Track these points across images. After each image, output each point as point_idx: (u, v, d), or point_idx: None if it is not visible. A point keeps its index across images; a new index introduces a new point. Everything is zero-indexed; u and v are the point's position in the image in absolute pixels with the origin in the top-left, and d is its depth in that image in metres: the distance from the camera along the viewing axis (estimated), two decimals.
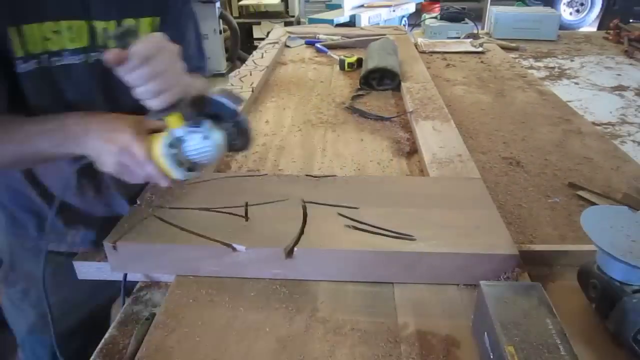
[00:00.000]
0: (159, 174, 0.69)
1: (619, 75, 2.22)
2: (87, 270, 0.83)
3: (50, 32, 0.75)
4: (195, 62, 0.95)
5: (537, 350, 0.54)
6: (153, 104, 0.65)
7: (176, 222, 0.80)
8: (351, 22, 4.62)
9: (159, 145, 0.67)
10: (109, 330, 0.71)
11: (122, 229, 0.79)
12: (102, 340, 0.69)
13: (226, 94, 0.68)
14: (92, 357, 0.67)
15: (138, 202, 0.86)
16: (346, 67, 1.86)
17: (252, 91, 1.51)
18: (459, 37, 3.12)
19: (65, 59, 0.78)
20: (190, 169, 0.70)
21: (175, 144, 0.68)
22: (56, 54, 0.77)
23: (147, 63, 0.62)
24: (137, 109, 0.70)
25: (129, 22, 0.83)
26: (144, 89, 0.63)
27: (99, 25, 0.79)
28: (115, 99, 0.82)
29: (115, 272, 0.80)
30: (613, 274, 0.65)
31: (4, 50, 0.72)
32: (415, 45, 2.36)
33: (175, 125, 0.67)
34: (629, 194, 1.01)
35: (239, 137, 0.71)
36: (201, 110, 0.68)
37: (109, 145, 0.67)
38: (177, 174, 0.69)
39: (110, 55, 0.61)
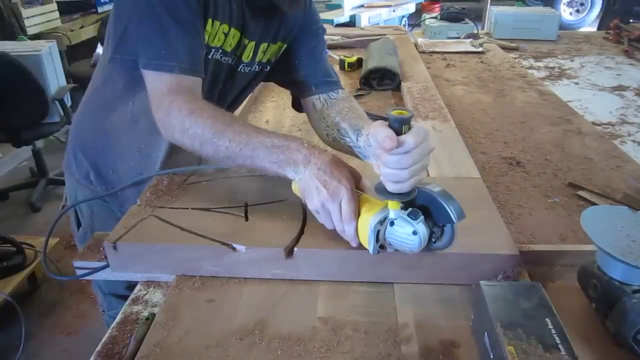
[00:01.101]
0: (354, 236, 0.70)
1: (619, 75, 2.22)
2: (87, 270, 0.83)
3: (221, 33, 0.90)
4: (331, 77, 1.05)
5: (537, 350, 0.54)
6: (390, 187, 0.65)
7: (176, 222, 0.80)
8: (351, 22, 4.62)
9: (371, 216, 0.67)
10: (109, 330, 0.71)
11: (122, 229, 0.79)
12: (102, 341, 0.69)
13: (444, 196, 0.67)
14: (92, 357, 0.67)
15: (138, 202, 0.86)
16: (346, 67, 1.86)
17: (252, 91, 1.51)
18: (459, 37, 3.12)
19: (223, 57, 0.94)
20: (382, 247, 0.70)
21: (384, 222, 0.68)
22: (221, 51, 0.92)
23: (410, 154, 0.62)
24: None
25: (263, 46, 0.99)
26: (393, 172, 0.63)
27: (243, 41, 0.95)
28: (226, 101, 1.02)
29: (115, 272, 0.80)
30: (613, 274, 0.65)
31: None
32: (415, 45, 2.36)
33: (393, 206, 0.67)
34: (629, 194, 1.01)
35: (440, 238, 0.70)
36: (413, 201, 0.68)
37: (322, 187, 0.69)
38: (371, 248, 0.69)
39: (387, 141, 0.61)
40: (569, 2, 6.80)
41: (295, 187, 0.79)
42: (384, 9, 5.02)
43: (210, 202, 0.86)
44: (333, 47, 2.19)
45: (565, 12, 6.72)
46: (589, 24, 6.61)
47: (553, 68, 2.33)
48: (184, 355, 0.64)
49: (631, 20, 3.18)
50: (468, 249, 0.73)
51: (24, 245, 2.22)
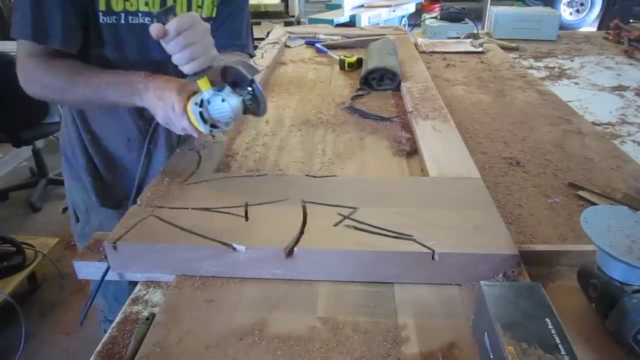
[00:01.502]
0: (190, 126, 0.84)
1: (619, 75, 2.22)
2: (86, 270, 0.83)
3: None
4: (245, 41, 1.16)
5: (537, 350, 0.54)
6: (185, 69, 0.81)
7: (176, 222, 0.80)
8: (351, 22, 4.62)
9: (189, 105, 0.83)
10: (109, 330, 0.71)
11: (122, 229, 0.79)
12: (102, 341, 0.69)
13: (243, 64, 0.82)
14: (92, 357, 0.67)
15: (138, 202, 0.86)
16: (346, 67, 1.85)
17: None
18: (459, 37, 3.12)
19: (139, 19, 0.97)
20: (213, 126, 0.86)
21: (202, 103, 0.83)
22: (133, 14, 0.96)
23: (181, 35, 0.77)
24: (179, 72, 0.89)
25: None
26: (179, 55, 0.79)
27: None
28: (164, 63, 0.97)
29: (115, 272, 0.80)
30: (613, 274, 0.65)
31: (89, 5, 0.93)
32: (415, 45, 2.36)
33: (204, 88, 0.82)
34: (629, 194, 1.01)
35: (254, 103, 0.85)
36: (225, 78, 0.84)
37: (160, 102, 0.84)
38: (202, 127, 0.84)
39: (153, 30, 0.77)
40: (569, 2, 6.80)
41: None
42: (384, 9, 5.02)
43: (210, 202, 0.86)
44: (333, 47, 2.19)
45: (565, 12, 6.72)
46: (589, 24, 6.61)
47: (553, 68, 2.33)
48: (184, 355, 0.64)
49: (631, 20, 3.17)
50: (468, 249, 0.73)
51: (24, 245, 2.22)
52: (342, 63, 1.87)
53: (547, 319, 0.58)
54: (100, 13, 0.94)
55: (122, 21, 0.96)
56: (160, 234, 0.78)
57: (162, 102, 0.84)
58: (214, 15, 1.08)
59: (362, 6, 5.04)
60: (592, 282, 0.68)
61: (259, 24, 5.67)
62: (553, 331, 0.56)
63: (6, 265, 2.13)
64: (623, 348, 0.63)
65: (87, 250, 0.85)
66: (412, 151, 1.19)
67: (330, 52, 2.10)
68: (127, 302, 0.76)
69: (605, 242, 0.64)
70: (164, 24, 0.77)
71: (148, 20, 0.97)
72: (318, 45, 2.18)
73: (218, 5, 1.09)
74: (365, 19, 4.70)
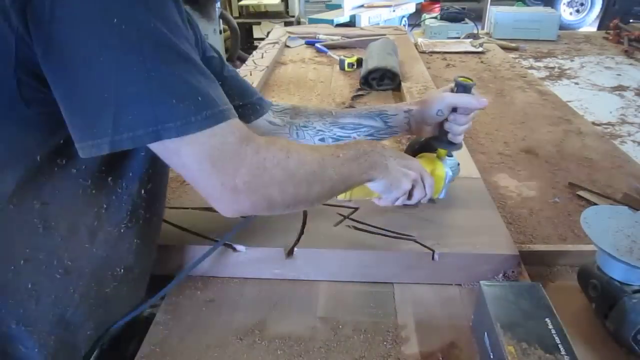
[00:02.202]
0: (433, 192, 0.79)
1: (619, 75, 2.22)
2: None
3: None
4: (257, 94, 0.94)
5: (537, 350, 0.54)
6: (459, 139, 0.81)
7: (176, 222, 0.80)
8: (351, 22, 4.62)
9: (445, 170, 0.82)
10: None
11: None
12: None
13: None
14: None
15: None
16: (346, 67, 1.85)
17: None
18: (459, 37, 3.12)
19: None
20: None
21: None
22: None
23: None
24: None
25: None
26: (462, 129, 0.80)
27: None
28: None
29: None
30: (613, 274, 0.65)
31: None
32: (415, 45, 2.36)
33: (444, 155, 0.82)
34: (629, 194, 1.01)
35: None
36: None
37: (408, 170, 0.74)
38: (443, 194, 0.83)
39: (481, 103, 0.77)
40: (569, 2, 6.80)
41: (361, 192, 0.75)
42: (384, 9, 5.02)
43: None
44: (333, 47, 2.19)
45: (565, 12, 6.72)
46: (589, 24, 6.60)
47: (553, 68, 2.33)
48: (184, 355, 0.64)
49: (631, 20, 3.17)
50: (468, 249, 0.73)
51: None
52: (342, 63, 1.87)
53: (547, 319, 0.58)
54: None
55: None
56: (161, 234, 0.78)
57: (412, 172, 0.74)
58: None
59: (362, 6, 5.04)
60: (592, 282, 0.68)
61: (259, 24, 5.67)
62: (553, 331, 0.56)
63: None
64: (623, 348, 0.63)
65: None
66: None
67: (330, 52, 2.10)
68: None
69: (605, 242, 0.64)
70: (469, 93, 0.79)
71: None
72: (318, 45, 2.18)
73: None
74: (365, 19, 4.70)
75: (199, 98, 0.51)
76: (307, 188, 0.60)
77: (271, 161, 0.56)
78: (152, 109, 0.49)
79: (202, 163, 0.54)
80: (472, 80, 0.78)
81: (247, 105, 0.88)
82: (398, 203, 0.76)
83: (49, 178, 0.55)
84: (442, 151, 0.82)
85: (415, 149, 0.89)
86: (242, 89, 0.88)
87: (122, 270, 0.64)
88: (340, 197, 0.74)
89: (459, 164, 0.86)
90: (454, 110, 0.79)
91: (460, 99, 0.78)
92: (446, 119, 0.80)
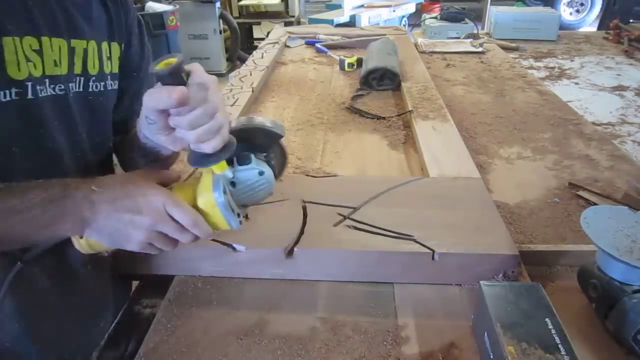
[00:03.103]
0: (208, 229, 0.58)
1: (619, 75, 2.22)
2: None
3: (31, 51, 0.59)
4: None
5: (537, 350, 0.54)
6: (207, 147, 0.54)
7: None
8: (351, 22, 4.62)
9: (213, 195, 0.57)
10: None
11: None
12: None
13: (261, 120, 0.61)
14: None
15: None
16: (346, 67, 1.85)
17: (252, 91, 1.51)
18: (459, 37, 3.12)
19: (48, 89, 0.62)
20: (238, 215, 0.60)
21: (226, 189, 0.58)
22: (39, 81, 0.60)
23: (205, 100, 0.53)
24: (104, 155, 0.64)
25: (105, 47, 0.71)
26: (201, 130, 0.53)
27: (79, 45, 0.66)
28: (58, 153, 0.65)
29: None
30: (613, 274, 0.65)
31: None
32: (415, 45, 2.36)
33: (220, 170, 0.58)
34: (629, 194, 1.01)
35: (278, 164, 0.65)
36: (245, 141, 0.60)
37: (135, 216, 0.54)
38: (234, 223, 0.59)
39: (174, 93, 0.50)
40: (569, 2, 6.80)
41: (83, 243, 0.59)
42: (384, 9, 5.02)
43: None
44: (333, 47, 2.19)
45: (565, 12, 6.72)
46: (589, 24, 6.60)
47: (553, 68, 2.33)
48: (184, 355, 0.64)
49: (631, 20, 3.18)
50: (468, 249, 0.73)
51: None
52: (342, 63, 1.87)
53: (547, 319, 0.58)
54: None
55: (30, 95, 0.59)
56: None
57: (143, 218, 0.55)
58: (116, 70, 0.74)
59: (362, 6, 5.04)
60: (592, 282, 0.68)
61: (259, 24, 5.67)
62: (553, 331, 0.56)
63: None
64: (623, 348, 0.63)
65: None
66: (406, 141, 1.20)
67: (330, 52, 2.10)
68: (127, 302, 0.77)
69: (605, 242, 0.64)
70: (175, 82, 0.52)
71: (59, 90, 0.63)
72: (318, 45, 2.18)
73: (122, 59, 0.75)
74: (365, 19, 4.70)
75: None
76: None
77: None
78: None
79: None
80: (175, 58, 0.52)
81: (129, 115, 0.78)
82: (168, 248, 0.58)
83: None
84: (215, 166, 0.57)
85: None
86: (132, 96, 0.78)
87: None
88: (83, 250, 0.59)
89: (261, 173, 0.60)
90: (168, 112, 0.54)
91: (148, 97, 0.53)
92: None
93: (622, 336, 0.62)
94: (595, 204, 0.99)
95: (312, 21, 4.62)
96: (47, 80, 0.61)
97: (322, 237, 0.77)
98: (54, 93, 0.63)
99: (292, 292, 0.75)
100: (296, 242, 0.75)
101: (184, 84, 0.52)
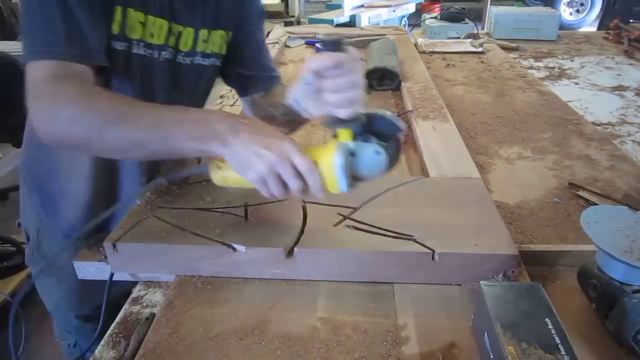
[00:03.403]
0: (320, 187, 0.65)
1: (619, 75, 2.22)
2: (87, 270, 0.83)
3: (137, 23, 0.77)
4: (274, 72, 1.02)
5: (537, 350, 0.54)
6: (343, 113, 0.65)
7: (176, 222, 0.80)
8: (351, 22, 4.62)
9: (334, 156, 0.64)
10: (109, 330, 0.71)
11: (122, 229, 0.79)
12: (102, 341, 0.69)
13: (389, 113, 0.69)
14: (92, 357, 0.67)
15: (138, 203, 0.86)
16: None
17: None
18: (459, 37, 3.12)
19: (148, 51, 0.81)
20: (350, 184, 0.67)
21: (346, 156, 0.65)
22: (146, 44, 0.80)
23: (353, 72, 0.64)
24: None
25: (203, 33, 0.87)
26: (343, 96, 0.64)
27: (176, 28, 0.84)
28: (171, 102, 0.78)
29: (115, 272, 0.80)
30: (613, 274, 0.65)
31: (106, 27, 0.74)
32: (415, 45, 2.36)
33: (346, 138, 0.66)
34: (629, 194, 1.01)
35: (393, 158, 0.70)
36: (367, 126, 0.67)
37: (265, 150, 0.63)
38: (343, 186, 0.65)
39: (330, 57, 0.62)
40: (569, 2, 6.80)
41: (219, 175, 0.71)
42: (384, 9, 5.02)
43: (210, 202, 0.86)
44: None
45: (565, 12, 6.72)
46: (589, 24, 6.60)
47: (553, 68, 2.32)
48: (184, 355, 0.64)
49: (631, 20, 3.17)
50: (468, 249, 0.73)
51: (23, 245, 2.22)
52: None
53: (547, 319, 0.58)
54: (113, 37, 0.76)
55: (135, 50, 0.79)
56: (160, 234, 0.78)
57: (270, 153, 0.62)
58: (223, 52, 0.94)
59: (362, 6, 5.04)
60: (592, 282, 0.68)
61: None
62: (553, 331, 0.56)
63: (6, 265, 2.14)
64: (623, 348, 0.63)
65: (87, 250, 0.85)
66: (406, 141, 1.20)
67: None
68: (127, 302, 0.77)
69: (605, 242, 0.64)
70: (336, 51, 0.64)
71: (149, 53, 0.82)
72: (318, 45, 2.18)
73: (239, 23, 0.94)
74: (365, 19, 4.71)
75: (40, 36, 0.69)
76: (98, 133, 0.66)
77: (63, 101, 0.66)
78: (26, 37, 0.69)
79: (27, 84, 0.68)
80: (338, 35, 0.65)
81: (251, 77, 0.98)
82: (274, 192, 0.65)
83: None
84: (341, 131, 0.66)
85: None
86: (249, 61, 0.98)
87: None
88: (217, 182, 0.72)
89: (378, 153, 0.66)
90: (322, 75, 0.66)
91: (314, 59, 0.65)
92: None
93: (622, 336, 0.62)
94: (595, 204, 0.99)
95: (312, 21, 4.62)
96: (142, 44, 0.80)
97: (322, 237, 0.77)
98: (144, 54, 0.81)
99: (292, 292, 0.75)
100: (296, 242, 0.75)
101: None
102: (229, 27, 0.92)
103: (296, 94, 0.78)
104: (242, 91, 1.03)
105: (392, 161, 0.69)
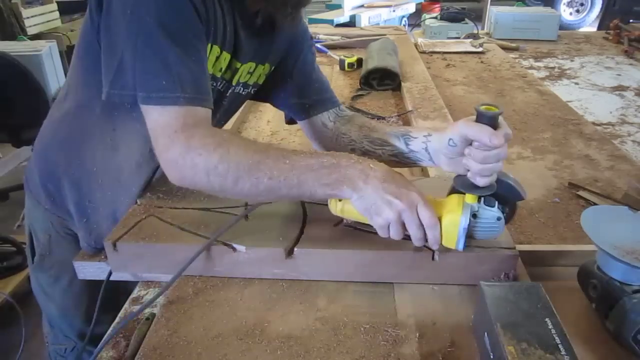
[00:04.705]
0: (438, 239, 0.68)
1: (619, 75, 2.22)
2: (87, 270, 0.83)
3: (215, 57, 0.80)
4: (332, 91, 1.00)
5: (537, 350, 0.54)
6: (481, 181, 0.67)
7: (176, 222, 0.80)
8: (351, 22, 4.61)
9: (461, 216, 0.67)
10: (109, 330, 0.71)
11: (122, 229, 0.79)
12: (102, 341, 0.69)
13: (514, 180, 0.71)
14: (92, 357, 0.66)
15: (138, 202, 0.86)
16: (346, 67, 1.86)
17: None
18: (459, 37, 3.12)
19: (212, 83, 0.81)
20: (465, 243, 0.69)
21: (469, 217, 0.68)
22: (213, 77, 0.81)
23: (503, 148, 0.66)
24: None
25: (250, 66, 0.89)
26: (488, 167, 0.66)
27: (235, 64, 0.86)
28: None
29: (115, 272, 0.80)
30: (613, 274, 0.65)
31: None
32: (415, 45, 2.36)
33: (472, 200, 0.68)
34: (629, 194, 1.01)
35: (507, 220, 0.73)
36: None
37: (394, 199, 0.66)
38: (460, 245, 0.68)
39: (497, 139, 0.64)
40: (569, 2, 6.80)
41: (339, 207, 0.72)
42: (384, 9, 5.02)
43: (210, 202, 0.86)
44: (333, 47, 2.19)
45: (565, 12, 6.72)
46: (589, 24, 6.60)
47: (553, 68, 2.33)
48: (184, 355, 0.64)
49: (631, 20, 3.18)
50: (468, 249, 0.73)
51: (23, 245, 2.22)
52: (342, 63, 1.87)
53: (547, 319, 0.58)
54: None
55: (220, 88, 0.85)
56: (160, 234, 0.78)
57: (399, 202, 0.66)
58: (260, 82, 0.95)
59: (362, 6, 5.04)
60: (592, 282, 0.68)
61: None
62: (553, 331, 0.56)
63: (6, 265, 2.13)
64: (623, 348, 0.63)
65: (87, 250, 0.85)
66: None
67: (330, 52, 2.10)
68: (127, 302, 0.76)
69: (605, 242, 0.64)
70: (492, 125, 0.65)
71: (213, 85, 0.82)
72: (318, 45, 2.18)
73: (288, 55, 0.95)
74: (365, 19, 4.70)
75: (164, 82, 0.68)
76: (233, 182, 0.68)
77: (196, 151, 0.67)
78: (134, 79, 0.69)
79: (154, 131, 0.70)
80: (497, 108, 0.66)
81: (304, 104, 0.97)
82: (394, 237, 0.68)
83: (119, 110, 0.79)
84: (469, 195, 0.68)
85: (452, 187, 0.74)
86: (302, 87, 0.97)
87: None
88: (333, 211, 0.73)
89: (499, 219, 0.68)
90: (471, 143, 0.68)
91: (470, 129, 0.67)
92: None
93: (622, 336, 0.62)
94: (595, 204, 0.99)
95: (312, 21, 4.61)
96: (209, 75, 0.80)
97: (322, 237, 0.77)
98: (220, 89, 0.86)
99: (292, 292, 0.75)
100: (296, 242, 0.75)
101: (495, 128, 0.65)
102: (274, 62, 0.94)
103: (432, 147, 0.79)
104: (301, 114, 1.00)
105: (505, 225, 0.71)
